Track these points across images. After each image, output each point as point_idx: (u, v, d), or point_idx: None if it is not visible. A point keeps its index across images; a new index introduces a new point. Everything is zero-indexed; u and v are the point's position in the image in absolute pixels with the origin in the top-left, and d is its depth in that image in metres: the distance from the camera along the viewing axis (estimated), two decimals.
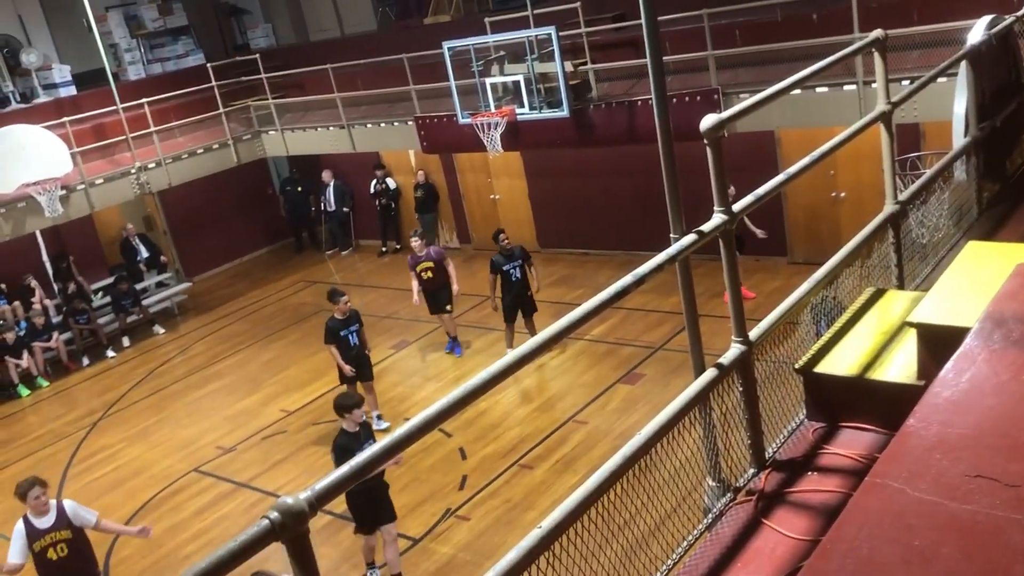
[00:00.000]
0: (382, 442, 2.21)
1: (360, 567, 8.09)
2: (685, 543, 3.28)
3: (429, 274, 11.79)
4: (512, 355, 2.55)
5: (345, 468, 2.11)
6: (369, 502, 7.48)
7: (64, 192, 14.05)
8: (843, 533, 2.07)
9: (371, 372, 10.65)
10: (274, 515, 1.94)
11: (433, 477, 9.27)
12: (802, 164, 3.83)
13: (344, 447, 7.32)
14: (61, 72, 16.34)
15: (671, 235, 3.27)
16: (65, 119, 14.38)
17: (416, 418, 2.31)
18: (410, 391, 11.59)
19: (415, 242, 11.89)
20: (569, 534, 2.68)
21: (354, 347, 10.29)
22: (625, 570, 3.08)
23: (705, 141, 3.27)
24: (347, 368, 10.19)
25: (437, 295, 11.95)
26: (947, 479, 2.12)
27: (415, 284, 11.91)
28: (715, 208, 3.37)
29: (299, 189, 18.63)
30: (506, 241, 11.72)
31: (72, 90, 16.36)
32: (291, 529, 1.95)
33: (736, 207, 3.40)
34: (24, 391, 13.97)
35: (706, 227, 3.32)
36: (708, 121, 3.24)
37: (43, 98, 16.10)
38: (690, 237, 3.24)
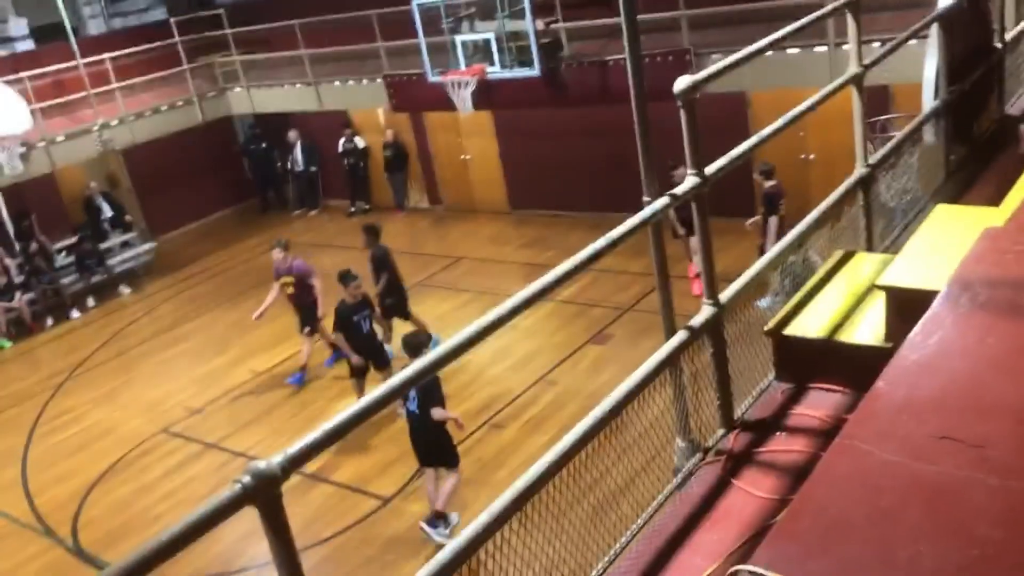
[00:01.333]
0: (361, 402, 2.20)
1: (331, 526, 8.13)
2: (655, 502, 3.32)
3: (291, 289, 10.66)
4: (488, 317, 2.54)
5: (318, 432, 2.10)
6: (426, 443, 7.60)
7: (24, 149, 13.74)
8: (812, 494, 2.10)
9: (387, 358, 9.90)
10: (246, 479, 1.93)
11: (404, 437, 9.21)
12: (775, 126, 3.83)
13: (433, 384, 7.27)
14: (18, 25, 15.91)
15: (644, 198, 3.26)
16: (23, 74, 14.03)
17: (396, 376, 2.32)
18: None
19: (276, 253, 10.68)
20: (541, 494, 2.70)
21: (366, 334, 9.63)
22: (595, 528, 3.12)
23: (679, 103, 3.25)
24: (355, 358, 9.57)
25: (300, 312, 10.83)
26: (914, 440, 2.15)
27: (270, 297, 10.77)
28: (688, 170, 3.36)
29: (263, 146, 18.37)
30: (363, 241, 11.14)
31: (30, 44, 15.96)
32: (263, 493, 1.94)
33: (709, 169, 3.40)
34: None
35: (679, 190, 3.32)
36: (682, 83, 3.22)
37: None
38: (663, 200, 3.24)
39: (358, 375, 9.74)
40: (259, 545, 7.76)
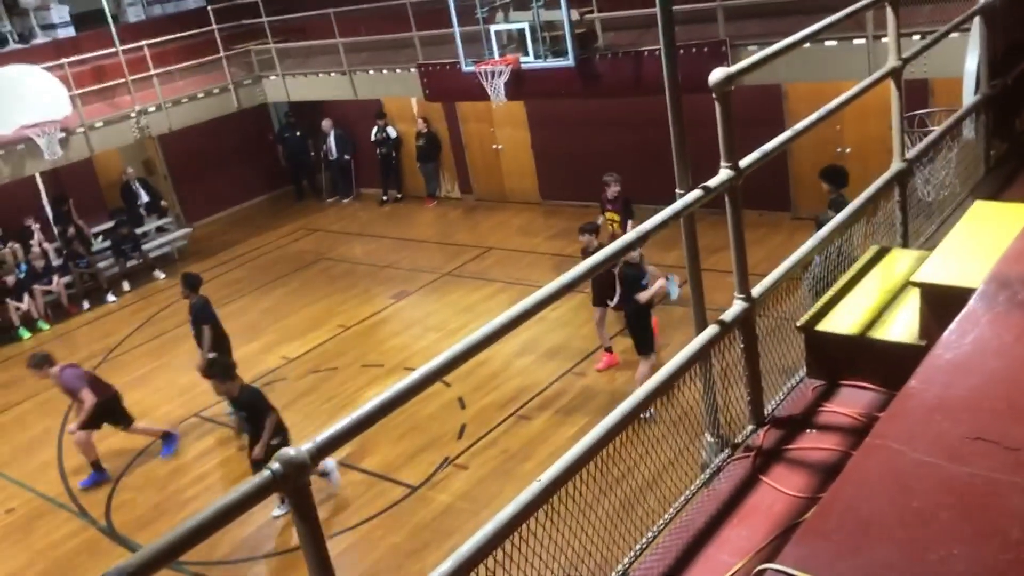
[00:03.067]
0: (384, 395, 2.21)
1: (358, 513, 8.19)
2: (683, 497, 3.31)
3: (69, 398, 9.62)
4: (517, 308, 2.54)
5: (347, 420, 2.11)
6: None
7: (63, 135, 13.93)
8: (842, 493, 2.08)
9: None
10: (276, 466, 1.95)
11: (432, 426, 9.33)
12: (810, 120, 3.78)
13: (635, 277, 8.55)
14: (59, 12, 16.10)
15: (677, 190, 3.24)
16: (64, 60, 14.20)
17: (423, 368, 2.32)
18: (411, 341, 11.60)
19: (32, 369, 9.46)
20: (568, 487, 2.69)
21: (249, 430, 8.38)
22: (622, 523, 3.11)
23: (714, 95, 3.22)
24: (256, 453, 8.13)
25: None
26: (947, 441, 2.12)
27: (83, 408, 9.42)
28: (722, 163, 3.33)
29: (298, 134, 18.46)
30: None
31: (71, 31, 16.14)
32: (293, 480, 1.96)
33: (743, 163, 3.36)
34: (25, 334, 14.02)
35: (712, 183, 3.29)
36: (717, 75, 3.19)
37: (41, 39, 15.88)
38: (695, 192, 3.21)
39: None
40: (287, 531, 7.86)
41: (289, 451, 1.99)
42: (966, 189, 5.29)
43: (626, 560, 3.05)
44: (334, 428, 2.08)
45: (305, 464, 1.98)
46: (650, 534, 3.15)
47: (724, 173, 3.32)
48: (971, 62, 5.43)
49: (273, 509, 8.19)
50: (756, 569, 2.06)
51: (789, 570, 1.86)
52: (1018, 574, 1.75)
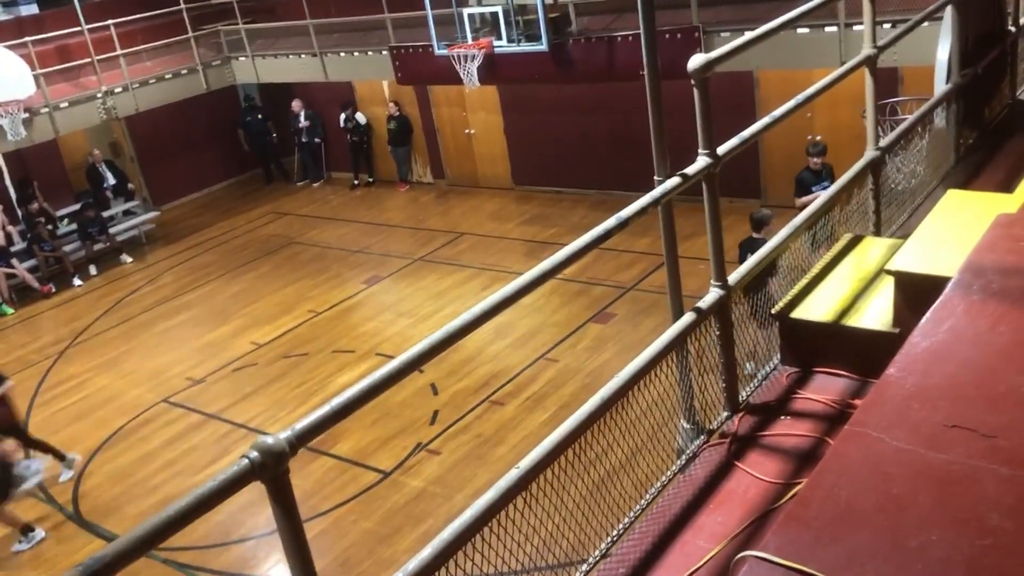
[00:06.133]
0: (370, 377, 2.19)
1: (330, 499, 8.16)
2: (659, 483, 3.32)
3: None
4: (497, 295, 2.53)
5: (326, 408, 2.09)
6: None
7: (27, 115, 13.66)
8: (822, 480, 2.09)
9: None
10: (254, 455, 1.92)
11: (404, 412, 9.31)
12: (789, 106, 3.78)
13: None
14: None
15: (655, 177, 3.23)
16: (27, 39, 13.91)
17: (410, 351, 2.31)
18: (383, 326, 11.56)
19: None
20: (546, 474, 2.69)
21: None
22: (597, 505, 3.12)
23: (692, 82, 3.22)
24: None
25: None
26: (925, 429, 2.14)
27: None
28: (700, 150, 3.33)
29: (259, 116, 18.18)
30: None
31: (34, 9, 15.83)
32: (271, 469, 1.93)
33: (721, 149, 3.36)
34: None
35: (690, 170, 3.28)
36: (696, 61, 3.18)
37: (3, 16, 15.55)
38: (674, 180, 3.21)
39: None
40: (259, 515, 7.81)
41: (267, 439, 1.96)
42: (936, 178, 5.35)
43: (603, 545, 3.06)
44: (315, 415, 2.06)
45: (284, 452, 1.96)
46: (626, 520, 3.16)
47: (702, 160, 3.31)
48: (943, 51, 5.47)
49: (14, 543, 8.16)
50: (736, 557, 2.08)
51: (770, 557, 1.87)
52: (995, 559, 1.78)
